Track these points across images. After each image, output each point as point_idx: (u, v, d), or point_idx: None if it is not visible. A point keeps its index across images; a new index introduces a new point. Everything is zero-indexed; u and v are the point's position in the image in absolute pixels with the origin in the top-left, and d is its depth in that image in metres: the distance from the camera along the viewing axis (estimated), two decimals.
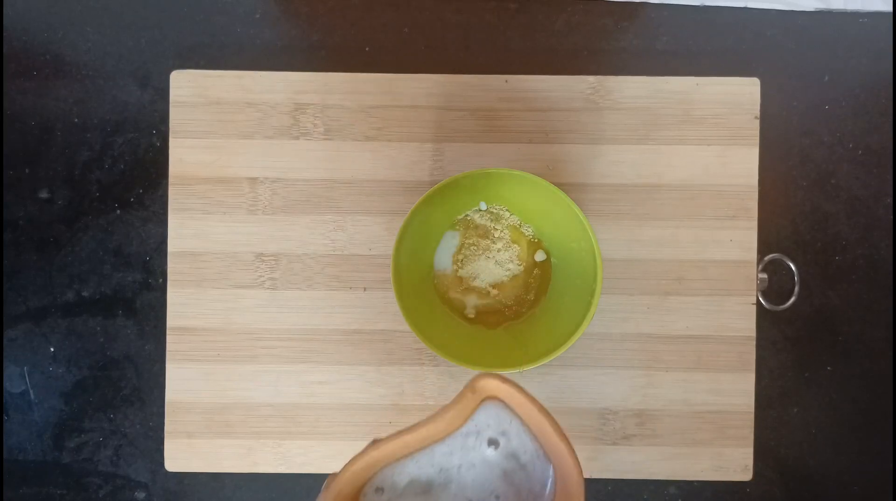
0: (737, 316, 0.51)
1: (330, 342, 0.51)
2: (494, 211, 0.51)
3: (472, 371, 0.50)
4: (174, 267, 0.51)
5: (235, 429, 0.51)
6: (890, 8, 0.52)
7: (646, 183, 0.51)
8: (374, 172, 0.51)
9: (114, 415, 0.53)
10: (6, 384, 0.53)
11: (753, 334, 0.51)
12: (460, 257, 0.50)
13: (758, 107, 0.51)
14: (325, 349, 0.51)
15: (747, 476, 0.51)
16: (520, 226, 0.51)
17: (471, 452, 0.34)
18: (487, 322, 0.50)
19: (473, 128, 0.51)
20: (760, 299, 0.51)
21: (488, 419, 0.34)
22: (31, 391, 0.53)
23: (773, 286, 0.52)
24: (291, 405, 0.51)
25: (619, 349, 0.51)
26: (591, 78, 0.51)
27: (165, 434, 0.51)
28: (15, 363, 0.53)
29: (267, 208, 0.51)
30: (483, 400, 0.35)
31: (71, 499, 0.53)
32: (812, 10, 0.53)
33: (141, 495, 0.53)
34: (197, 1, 0.53)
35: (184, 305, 0.51)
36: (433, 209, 0.47)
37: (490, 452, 0.34)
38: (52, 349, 0.53)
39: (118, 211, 0.53)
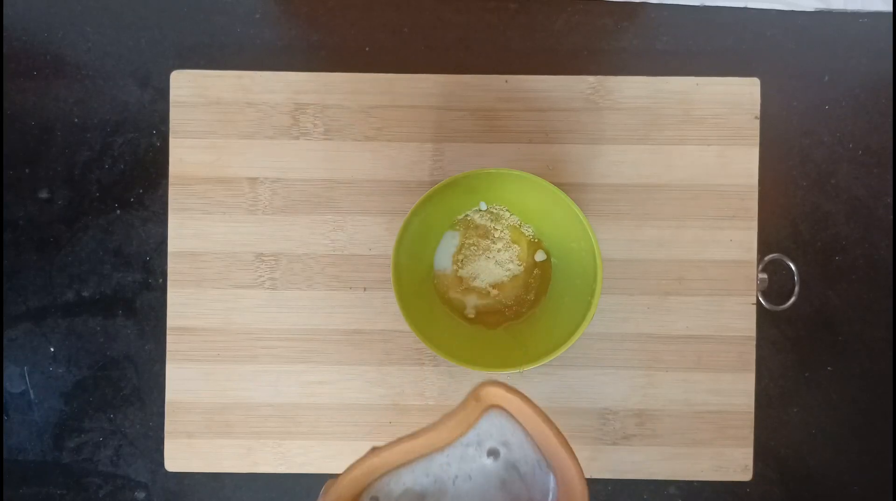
0: (737, 316, 0.51)
1: (330, 342, 0.51)
2: (494, 211, 0.51)
3: (472, 371, 0.50)
4: (174, 267, 0.51)
5: (235, 429, 0.51)
6: (890, 8, 0.52)
7: (646, 183, 0.51)
8: (374, 172, 0.51)
9: (114, 415, 0.53)
10: (6, 384, 0.53)
11: (753, 334, 0.51)
12: (460, 257, 0.50)
13: (758, 107, 0.51)
14: (325, 349, 0.51)
15: (747, 476, 0.51)
16: (520, 226, 0.51)
17: (469, 463, 0.34)
18: (487, 322, 0.50)
19: (473, 128, 0.51)
20: (760, 299, 0.51)
21: (491, 429, 0.34)
22: (31, 391, 0.53)
23: (773, 286, 0.52)
24: (291, 405, 0.51)
25: (619, 349, 0.51)
26: (591, 78, 0.51)
27: (165, 434, 0.51)
28: (15, 363, 0.53)
29: (267, 208, 0.51)
30: (487, 409, 0.34)
31: (71, 499, 0.53)
32: (812, 10, 0.53)
33: (141, 495, 0.53)
34: (197, 1, 0.53)
35: (184, 305, 0.51)
36: (433, 209, 0.47)
37: (489, 462, 0.34)
38: (52, 349, 0.53)
39: (118, 211, 0.53)
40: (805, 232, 0.53)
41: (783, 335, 0.53)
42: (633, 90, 0.51)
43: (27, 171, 0.53)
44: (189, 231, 0.51)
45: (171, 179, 0.51)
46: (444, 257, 0.51)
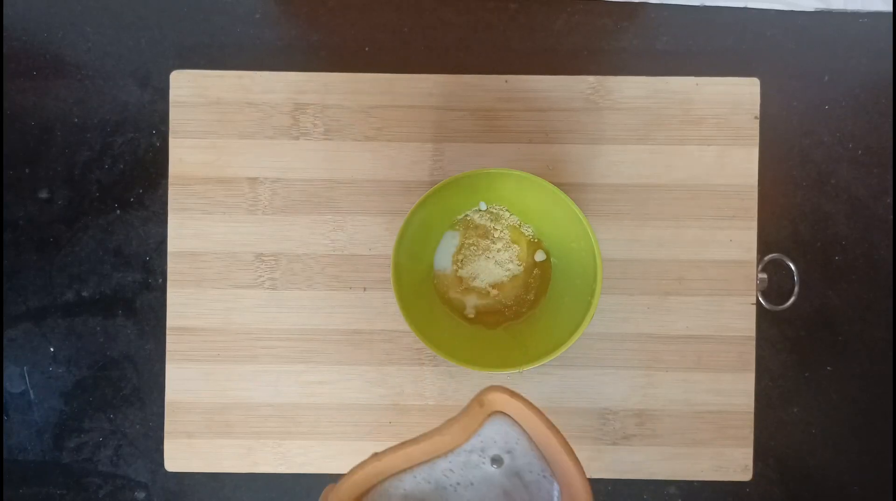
0: (737, 316, 0.51)
1: (330, 342, 0.51)
2: (494, 211, 0.51)
3: (472, 371, 0.50)
4: (174, 267, 0.51)
5: (235, 429, 0.51)
6: (890, 8, 0.52)
7: (646, 183, 0.51)
8: (374, 172, 0.51)
9: (114, 415, 0.53)
10: (6, 384, 0.53)
11: (753, 334, 0.51)
12: (460, 257, 0.50)
13: (758, 107, 0.51)
14: (325, 349, 0.51)
15: (747, 476, 0.51)
16: (520, 226, 0.51)
17: (472, 469, 0.33)
18: (487, 322, 0.50)
19: (473, 128, 0.51)
20: (760, 299, 0.51)
21: (495, 436, 0.33)
22: (31, 391, 0.53)
23: (773, 286, 0.52)
24: (291, 405, 0.51)
25: (619, 349, 0.51)
26: (591, 78, 0.51)
27: (165, 434, 0.51)
28: (15, 363, 0.53)
29: (267, 208, 0.51)
30: (490, 414, 0.34)
31: (71, 499, 0.53)
32: (812, 10, 0.53)
33: (141, 495, 0.53)
34: (197, 1, 0.53)
35: (184, 305, 0.51)
36: (433, 209, 0.47)
37: (492, 470, 0.33)
38: (52, 349, 0.53)
39: (118, 211, 0.53)
40: (805, 232, 0.53)
41: (783, 335, 0.53)
42: (633, 90, 0.51)
43: (27, 171, 0.53)
44: (189, 231, 0.51)
45: (170, 179, 0.51)
46: (444, 257, 0.51)
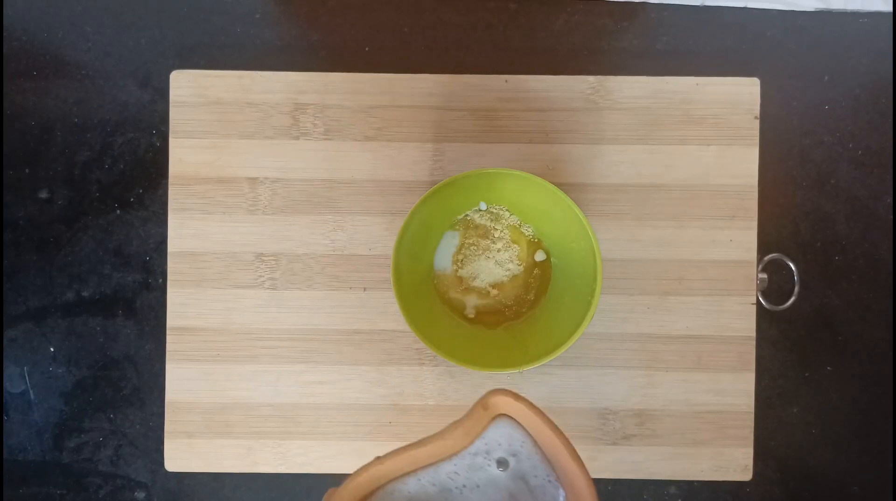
0: (737, 316, 0.51)
1: (330, 342, 0.51)
2: (494, 211, 0.51)
3: (472, 371, 0.50)
4: (174, 267, 0.51)
5: (235, 429, 0.51)
6: (890, 8, 0.52)
7: (646, 183, 0.51)
8: (374, 172, 0.51)
9: (114, 415, 0.53)
10: (6, 384, 0.53)
11: (753, 334, 0.51)
12: (460, 257, 0.50)
13: (758, 107, 0.51)
14: (325, 349, 0.51)
15: (747, 476, 0.51)
16: (520, 226, 0.51)
17: (478, 472, 0.33)
18: (487, 322, 0.50)
19: (473, 128, 0.51)
20: (760, 299, 0.51)
21: (499, 438, 0.33)
22: (31, 391, 0.53)
23: (773, 286, 0.52)
24: (291, 405, 0.51)
25: (619, 349, 0.51)
26: (591, 78, 0.51)
27: (165, 434, 0.51)
28: (15, 363, 0.53)
29: (267, 208, 0.51)
30: (495, 417, 0.33)
31: (71, 499, 0.53)
32: (812, 10, 0.53)
33: (141, 495, 0.53)
34: (197, 1, 0.53)
35: (184, 305, 0.51)
36: (433, 209, 0.47)
37: (498, 473, 0.33)
38: (52, 349, 0.53)
39: (118, 211, 0.53)
40: (805, 232, 0.53)
41: (783, 335, 0.53)
42: (633, 90, 0.51)
43: (27, 171, 0.53)
44: (189, 231, 0.51)
45: (171, 180, 0.51)
46: (444, 257, 0.51)
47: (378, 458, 0.33)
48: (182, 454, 0.51)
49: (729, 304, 0.51)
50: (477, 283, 0.50)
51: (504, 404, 0.33)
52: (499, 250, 0.50)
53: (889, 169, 0.53)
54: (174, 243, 0.51)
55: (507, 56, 0.53)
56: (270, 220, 0.51)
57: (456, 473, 0.33)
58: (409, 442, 0.33)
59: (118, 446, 0.53)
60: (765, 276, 0.51)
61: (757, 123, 0.51)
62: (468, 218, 0.51)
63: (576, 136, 0.51)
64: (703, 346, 0.51)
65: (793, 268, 0.52)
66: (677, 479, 0.51)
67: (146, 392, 0.53)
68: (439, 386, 0.51)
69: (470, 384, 0.51)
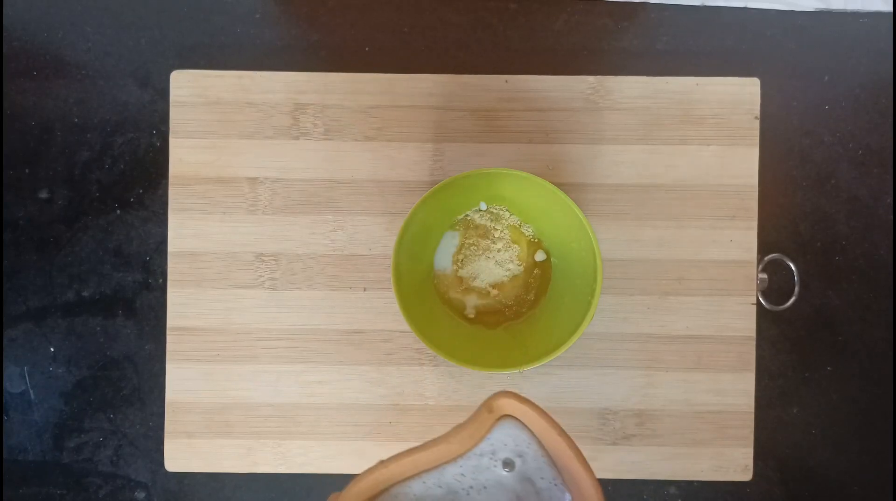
0: (737, 316, 0.51)
1: (330, 342, 0.51)
2: (494, 211, 0.51)
3: (472, 371, 0.50)
4: (174, 267, 0.51)
5: (235, 429, 0.51)
6: (890, 8, 0.52)
7: (646, 183, 0.51)
8: (374, 172, 0.51)
9: (114, 415, 0.53)
10: (6, 384, 0.53)
11: (753, 334, 0.51)
12: (460, 257, 0.50)
13: (758, 107, 0.51)
14: (325, 349, 0.51)
15: (747, 476, 0.51)
16: (520, 226, 0.51)
17: (484, 472, 0.33)
18: (487, 322, 0.50)
19: (473, 128, 0.51)
20: (760, 299, 0.51)
21: (505, 439, 0.33)
22: (31, 391, 0.53)
23: (773, 286, 0.52)
24: (291, 405, 0.51)
25: (619, 349, 0.51)
26: (591, 78, 0.51)
27: (165, 434, 0.51)
28: (15, 363, 0.53)
29: (267, 208, 0.51)
30: (500, 418, 0.33)
31: (71, 499, 0.53)
32: (812, 10, 0.53)
33: (141, 495, 0.53)
34: (197, 1, 0.53)
35: (184, 305, 0.51)
36: (433, 209, 0.47)
37: (504, 474, 0.32)
38: (52, 349, 0.53)
39: (118, 211, 0.53)
40: (805, 232, 0.53)
41: (783, 335, 0.53)
42: (633, 90, 0.51)
43: (27, 171, 0.53)
44: (189, 231, 0.51)
45: (171, 180, 0.51)
46: (444, 257, 0.51)
47: (382, 462, 0.33)
48: (182, 454, 0.51)
49: (729, 304, 0.51)
50: (477, 283, 0.50)
51: (509, 406, 0.33)
52: (499, 250, 0.50)
53: (889, 169, 0.53)
54: (174, 243, 0.51)
55: (507, 56, 0.53)
56: (270, 220, 0.51)
57: (462, 475, 0.33)
58: (410, 445, 0.33)
59: (118, 446, 0.53)
60: (765, 276, 0.51)
61: (757, 123, 0.51)
62: (468, 218, 0.51)
63: (576, 136, 0.51)
64: (703, 346, 0.51)
65: (793, 268, 0.52)
66: (677, 479, 0.51)
67: (146, 392, 0.53)
68: (439, 386, 0.51)
69: (470, 384, 0.51)
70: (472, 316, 0.50)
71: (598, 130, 0.51)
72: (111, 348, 0.53)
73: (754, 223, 0.51)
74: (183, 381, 0.51)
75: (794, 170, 0.53)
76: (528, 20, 0.53)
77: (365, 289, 0.51)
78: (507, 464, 0.33)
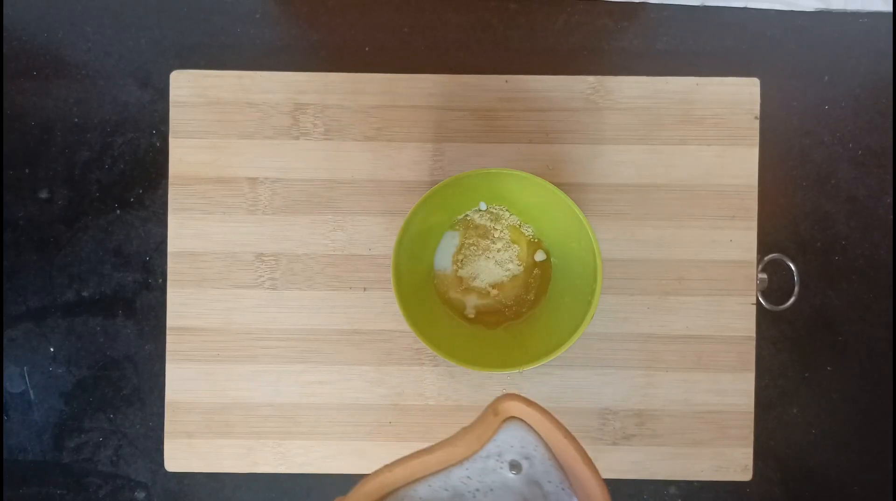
0: (737, 316, 0.51)
1: (330, 342, 0.51)
2: (494, 211, 0.51)
3: (472, 371, 0.50)
4: (174, 267, 0.51)
5: (235, 429, 0.51)
6: (890, 8, 0.52)
7: (646, 183, 0.51)
8: (374, 172, 0.51)
9: (114, 415, 0.53)
10: (6, 384, 0.53)
11: (753, 334, 0.51)
12: (460, 257, 0.50)
13: (758, 107, 0.51)
14: (325, 349, 0.51)
15: (747, 476, 0.51)
16: (520, 226, 0.51)
17: (490, 475, 0.32)
18: (487, 322, 0.50)
19: (473, 128, 0.51)
20: (760, 299, 0.51)
21: (511, 440, 0.32)
22: (31, 391, 0.53)
23: (773, 286, 0.52)
24: (291, 405, 0.51)
25: (619, 349, 0.51)
26: (591, 78, 0.51)
27: (165, 434, 0.51)
28: (15, 363, 0.53)
29: (267, 208, 0.51)
30: (506, 420, 0.33)
31: (71, 499, 0.53)
32: (812, 10, 0.53)
33: (141, 495, 0.53)
34: (197, 1, 0.53)
35: (184, 305, 0.51)
36: (433, 209, 0.47)
37: (511, 476, 0.32)
38: (52, 349, 0.53)
39: (118, 211, 0.53)
40: (805, 232, 0.53)
41: (783, 335, 0.53)
42: (633, 90, 0.51)
43: (27, 171, 0.53)
44: (189, 231, 0.51)
45: (171, 180, 0.51)
46: (444, 257, 0.51)
47: (386, 466, 0.32)
48: (182, 454, 0.51)
49: (729, 304, 0.51)
50: (477, 283, 0.50)
51: (515, 408, 0.33)
52: (499, 250, 0.50)
53: (889, 169, 0.53)
54: (174, 243, 0.51)
55: (507, 56, 0.53)
56: (270, 220, 0.51)
57: (468, 477, 0.32)
58: (411, 445, 0.33)
59: (118, 446, 0.53)
60: (765, 276, 0.51)
61: (757, 123, 0.51)
62: (468, 218, 0.51)
63: (576, 136, 0.51)
64: (703, 346, 0.51)
65: (793, 268, 0.52)
66: (677, 479, 0.51)
67: (146, 392, 0.53)
68: (439, 386, 0.51)
69: (470, 384, 0.51)
70: (472, 316, 0.50)
71: (598, 130, 0.51)
72: (111, 348, 0.53)
73: (754, 223, 0.51)
74: (183, 381, 0.51)
75: (794, 170, 0.53)
76: (528, 20, 0.53)
77: (365, 289, 0.51)
78: (514, 466, 0.32)
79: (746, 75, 0.51)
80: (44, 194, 0.53)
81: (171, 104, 0.51)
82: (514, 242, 0.51)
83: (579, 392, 0.51)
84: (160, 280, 0.53)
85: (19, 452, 0.53)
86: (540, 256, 0.50)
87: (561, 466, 0.32)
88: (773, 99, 0.52)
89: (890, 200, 0.53)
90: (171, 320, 0.51)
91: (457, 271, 0.51)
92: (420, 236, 0.48)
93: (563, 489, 0.32)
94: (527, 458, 0.32)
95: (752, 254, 0.51)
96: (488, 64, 0.53)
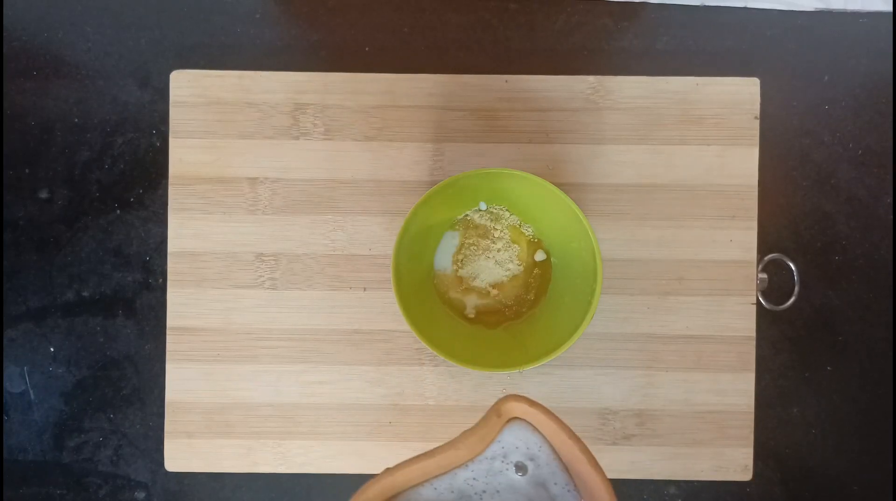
0: (737, 316, 0.51)
1: (330, 342, 0.51)
2: (494, 211, 0.51)
3: (472, 371, 0.50)
4: (174, 267, 0.51)
5: (235, 429, 0.51)
6: (890, 8, 0.52)
7: (646, 183, 0.51)
8: (374, 172, 0.51)
9: (114, 415, 0.53)
10: (6, 384, 0.53)
11: (753, 334, 0.51)
12: (460, 257, 0.50)
13: (758, 107, 0.51)
14: (325, 349, 0.51)
15: (747, 476, 0.51)
16: (520, 226, 0.51)
17: (496, 476, 0.32)
18: (487, 322, 0.50)
19: (473, 128, 0.51)
20: (760, 299, 0.51)
21: (516, 441, 0.32)
22: (31, 391, 0.53)
23: (773, 286, 0.52)
24: (291, 405, 0.51)
25: (619, 349, 0.51)
26: (591, 78, 0.51)
27: (165, 434, 0.51)
28: (15, 363, 0.53)
29: (267, 208, 0.51)
30: (509, 420, 0.32)
31: (71, 499, 0.53)
32: (812, 10, 0.53)
33: (141, 495, 0.53)
34: (197, 1, 0.53)
35: (184, 305, 0.51)
36: (433, 209, 0.47)
37: (517, 478, 0.32)
38: (52, 349, 0.53)
39: (118, 211, 0.53)
40: (805, 232, 0.53)
41: (783, 335, 0.53)
42: (633, 90, 0.51)
43: (27, 171, 0.53)
44: (189, 231, 0.51)
45: (171, 180, 0.51)
46: (444, 257, 0.51)
47: (388, 469, 0.32)
48: (182, 454, 0.51)
49: (729, 304, 0.51)
50: (477, 283, 0.50)
51: (518, 409, 0.32)
52: (499, 250, 0.50)
53: (889, 169, 0.53)
54: (174, 243, 0.51)
55: (507, 56, 0.53)
56: (270, 220, 0.51)
57: (474, 479, 0.32)
58: (411, 445, 0.33)
59: (118, 446, 0.53)
60: (765, 276, 0.51)
61: (757, 123, 0.51)
62: (468, 218, 0.51)
63: (576, 136, 0.51)
64: (703, 346, 0.51)
65: (793, 268, 0.52)
66: (677, 479, 0.51)
67: (146, 392, 0.53)
68: (439, 386, 0.51)
69: (470, 384, 0.51)
70: (472, 316, 0.50)
71: (598, 130, 0.51)
72: (111, 348, 0.53)
73: (754, 223, 0.51)
74: (183, 381, 0.51)
75: (794, 170, 0.53)
76: (528, 20, 0.53)
77: (365, 289, 0.51)
78: (520, 468, 0.32)
79: (746, 75, 0.51)
80: (44, 194, 0.53)
81: (171, 104, 0.51)
82: (514, 242, 0.51)
83: (579, 392, 0.51)
84: (160, 280, 0.53)
85: (19, 452, 0.53)
86: (540, 256, 0.50)
87: (566, 467, 0.32)
88: (773, 99, 0.52)
89: (890, 200, 0.53)
90: (171, 320, 0.51)
91: (457, 271, 0.51)
92: (420, 235, 0.48)
93: (569, 490, 0.32)
94: (532, 459, 0.32)
95: (752, 254, 0.51)
96: (488, 64, 0.53)
